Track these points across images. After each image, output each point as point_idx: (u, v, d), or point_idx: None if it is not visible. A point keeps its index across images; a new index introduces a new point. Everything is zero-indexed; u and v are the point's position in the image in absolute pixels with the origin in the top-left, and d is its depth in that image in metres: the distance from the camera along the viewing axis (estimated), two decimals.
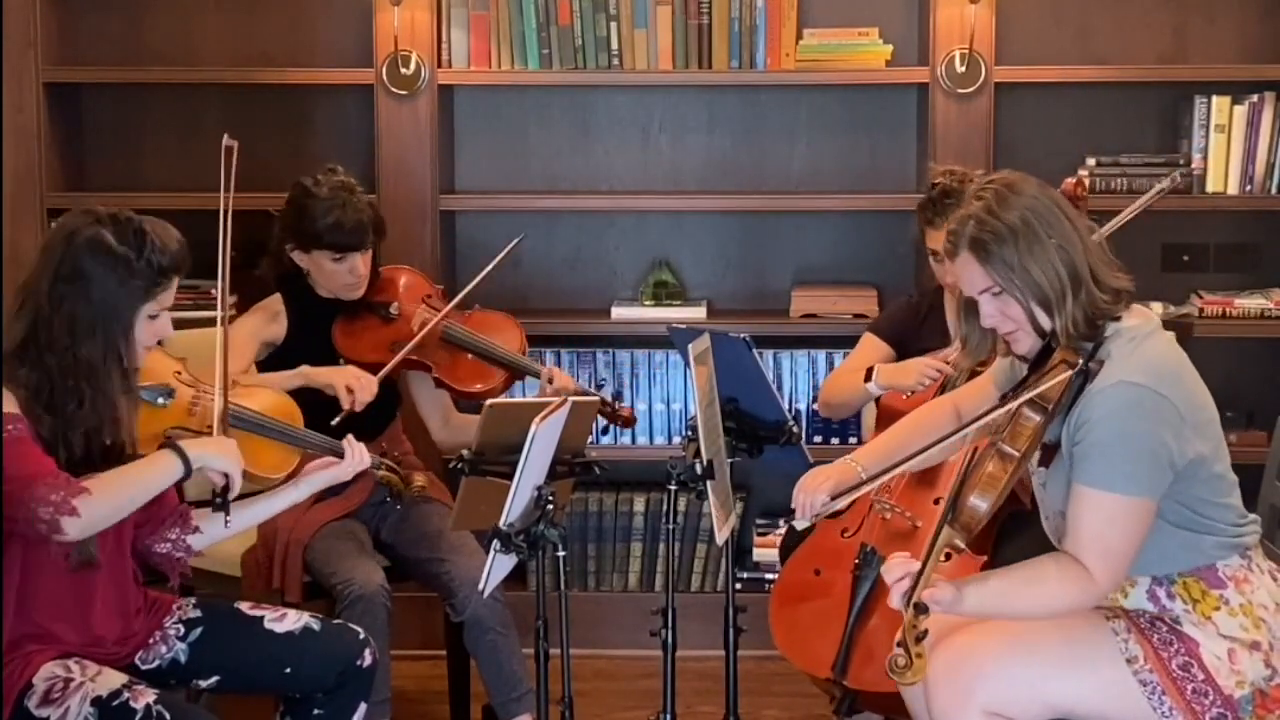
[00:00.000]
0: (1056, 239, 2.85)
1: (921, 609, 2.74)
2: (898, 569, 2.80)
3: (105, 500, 2.83)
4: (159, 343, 3.04)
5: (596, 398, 3.56)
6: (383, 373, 3.82)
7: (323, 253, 3.85)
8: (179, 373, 3.18)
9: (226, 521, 3.07)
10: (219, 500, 3.02)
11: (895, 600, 2.79)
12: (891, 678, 2.78)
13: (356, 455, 3.31)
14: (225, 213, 3.21)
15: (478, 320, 4.05)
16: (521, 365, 4.01)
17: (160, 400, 3.08)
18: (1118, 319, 2.89)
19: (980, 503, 2.80)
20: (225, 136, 3.26)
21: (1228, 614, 2.88)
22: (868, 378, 3.89)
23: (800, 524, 3.09)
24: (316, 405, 3.65)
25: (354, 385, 3.72)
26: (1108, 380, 2.82)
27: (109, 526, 2.92)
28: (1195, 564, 2.89)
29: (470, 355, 3.99)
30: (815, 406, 4.26)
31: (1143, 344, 2.88)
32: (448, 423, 4.15)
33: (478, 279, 3.97)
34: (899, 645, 2.73)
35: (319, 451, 3.33)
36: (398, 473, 3.61)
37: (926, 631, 2.74)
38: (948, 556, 2.86)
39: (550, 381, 3.95)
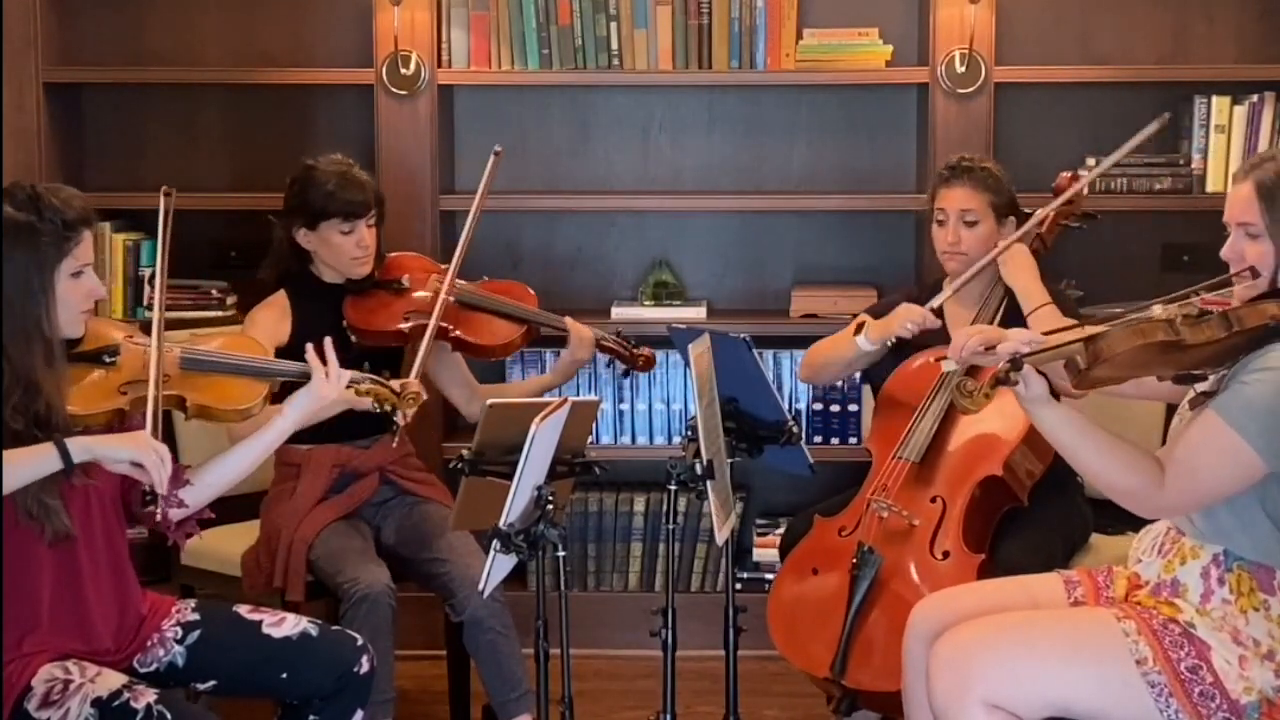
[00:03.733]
0: None
1: (1017, 366, 2.84)
2: (1028, 335, 2.94)
3: None
4: (95, 306, 3.04)
5: (586, 401, 3.54)
6: (423, 350, 3.78)
7: (330, 224, 3.88)
8: (130, 336, 3.15)
9: (158, 516, 2.96)
10: (148, 496, 2.93)
11: (1005, 349, 2.89)
12: (953, 397, 2.90)
13: (333, 371, 3.25)
14: (163, 260, 3.20)
15: (489, 286, 4.11)
16: (539, 318, 4.04)
17: (106, 359, 3.07)
18: None
19: (1118, 340, 2.79)
20: (164, 187, 3.24)
21: (1263, 617, 2.88)
22: (858, 331, 3.90)
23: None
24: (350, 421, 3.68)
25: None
26: None
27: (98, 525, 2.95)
28: (1261, 559, 2.89)
29: (487, 314, 4.02)
30: (800, 374, 4.21)
31: None
32: (474, 396, 4.17)
33: (473, 208, 4.03)
34: (977, 378, 2.87)
35: (288, 378, 3.26)
36: (386, 385, 3.39)
37: (1006, 382, 2.85)
38: (1068, 366, 2.86)
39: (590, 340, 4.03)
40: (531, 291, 4.15)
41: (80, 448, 2.86)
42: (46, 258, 2.93)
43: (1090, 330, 2.86)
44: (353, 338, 3.91)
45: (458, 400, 4.20)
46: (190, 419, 3.20)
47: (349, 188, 3.88)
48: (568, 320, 4.08)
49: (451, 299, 3.96)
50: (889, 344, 3.89)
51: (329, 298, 3.96)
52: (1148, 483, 2.86)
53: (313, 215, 3.89)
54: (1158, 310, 2.87)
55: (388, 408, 3.41)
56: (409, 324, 3.90)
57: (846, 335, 3.96)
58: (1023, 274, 3.85)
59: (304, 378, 3.27)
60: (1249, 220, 2.90)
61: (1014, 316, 3.89)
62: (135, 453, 2.90)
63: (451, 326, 3.96)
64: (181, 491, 3.09)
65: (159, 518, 2.95)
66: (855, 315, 4.67)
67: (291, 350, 3.88)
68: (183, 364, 3.16)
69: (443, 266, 4.09)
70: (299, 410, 3.25)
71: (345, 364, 3.44)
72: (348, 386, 3.31)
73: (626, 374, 4.18)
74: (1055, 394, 3.55)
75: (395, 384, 3.42)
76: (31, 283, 2.92)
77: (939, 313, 3.94)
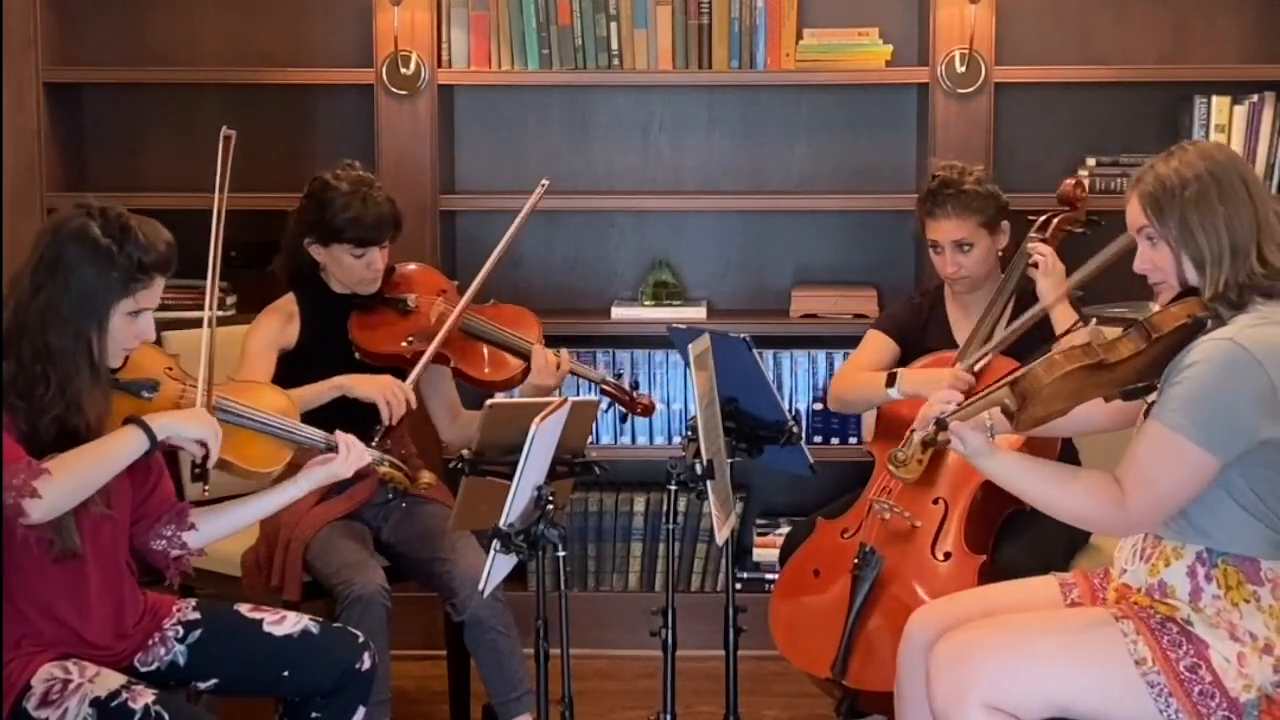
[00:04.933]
0: (1227, 208, 2.90)
1: (942, 425, 2.90)
2: (949, 393, 3.01)
3: (66, 479, 2.81)
4: (140, 344, 3.04)
5: (597, 398, 3.55)
6: (417, 370, 3.80)
7: (342, 247, 3.86)
8: (170, 369, 3.16)
9: (204, 489, 3.05)
10: (198, 469, 2.99)
11: (929, 412, 2.95)
12: (888, 468, 2.98)
13: (353, 452, 3.28)
14: (219, 207, 3.23)
15: (495, 313, 4.05)
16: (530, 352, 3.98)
17: (145, 394, 3.06)
18: (1269, 298, 2.90)
19: (1042, 375, 2.85)
20: (224, 127, 3.27)
21: (1255, 609, 2.88)
22: (890, 382, 3.87)
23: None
24: (352, 417, 3.65)
25: (391, 399, 3.69)
26: (1217, 335, 2.85)
27: (104, 520, 2.96)
28: (1241, 550, 2.89)
29: (489, 346, 3.99)
30: (829, 403, 4.21)
31: (1272, 326, 2.87)
32: (455, 421, 4.14)
33: (506, 238, 3.97)
34: (908, 445, 2.93)
35: (312, 447, 3.29)
36: (402, 469, 3.52)
37: (934, 444, 2.92)
38: (1004, 411, 2.90)
39: (558, 368, 3.94)
40: (537, 320, 4.07)
41: (161, 426, 2.94)
42: (112, 286, 2.94)
43: (1012, 374, 2.91)
44: (356, 354, 3.90)
45: (439, 422, 4.15)
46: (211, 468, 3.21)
47: (367, 212, 3.82)
48: (535, 348, 3.96)
49: (457, 329, 3.93)
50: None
51: (337, 308, 3.95)
52: (1111, 505, 2.88)
53: (325, 234, 3.86)
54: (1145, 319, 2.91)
55: (400, 490, 3.58)
56: (410, 348, 3.88)
57: (877, 383, 3.90)
58: (1057, 293, 3.84)
59: (328, 448, 3.28)
60: (1144, 224, 2.96)
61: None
62: (204, 431, 3.00)
63: (452, 357, 3.94)
64: (185, 534, 3.14)
65: (203, 492, 3.08)
66: (857, 315, 4.70)
67: (298, 356, 3.89)
68: (216, 415, 3.13)
69: (452, 283, 4.07)
70: (313, 483, 3.27)
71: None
72: (366, 464, 3.34)
73: (625, 418, 4.11)
74: (1072, 449, 3.61)
75: (417, 472, 3.59)
76: (93, 302, 2.93)
77: (945, 326, 3.95)
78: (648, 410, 4.03)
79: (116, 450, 2.90)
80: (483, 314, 4.02)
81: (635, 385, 4.05)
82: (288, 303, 3.97)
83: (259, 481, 3.28)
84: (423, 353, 3.85)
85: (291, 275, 3.99)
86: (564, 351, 3.99)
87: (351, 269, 3.88)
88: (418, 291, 4.01)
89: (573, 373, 4.00)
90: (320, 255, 3.90)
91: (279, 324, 3.93)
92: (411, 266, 4.12)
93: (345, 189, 3.84)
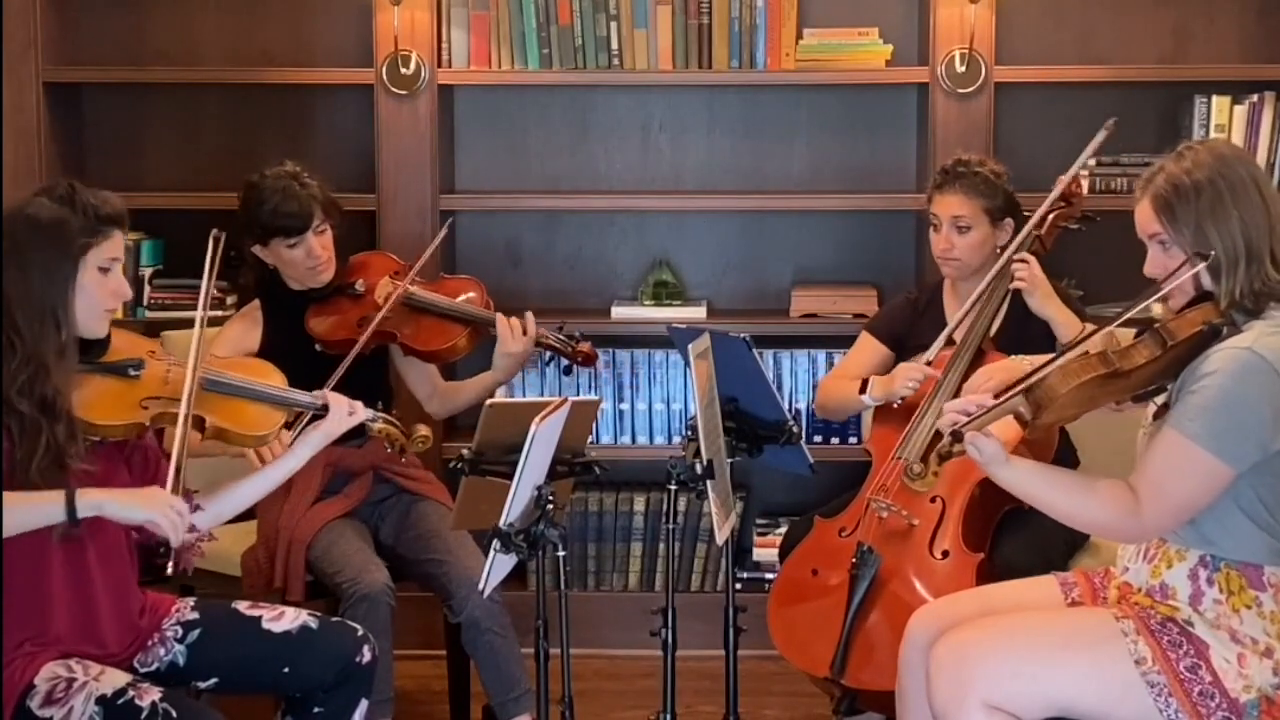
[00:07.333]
0: (1241, 212, 2.88)
1: (958, 438, 2.89)
2: (964, 404, 2.97)
3: None
4: (119, 302, 3.04)
5: (586, 400, 3.54)
6: (357, 346, 3.81)
7: (277, 241, 3.88)
8: (152, 351, 3.16)
9: (168, 570, 2.96)
10: (163, 550, 2.92)
11: (944, 423, 2.93)
12: (903, 480, 2.98)
13: (343, 407, 3.28)
14: (204, 299, 3.18)
15: (439, 285, 4.07)
16: (479, 317, 3.98)
17: (131, 372, 3.07)
18: None
19: (1058, 384, 2.84)
20: (214, 230, 3.25)
21: (1256, 615, 2.88)
22: (863, 389, 3.90)
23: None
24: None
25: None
26: (1234, 343, 2.84)
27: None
28: (1245, 558, 2.89)
29: (431, 316, 3.99)
30: (815, 409, 4.25)
31: None
32: (435, 392, 4.15)
33: (426, 253, 4.00)
34: (924, 457, 2.93)
35: (304, 409, 3.29)
36: (396, 425, 3.48)
37: (950, 456, 2.91)
38: (1017, 418, 2.89)
39: (525, 333, 3.95)
40: (480, 286, 4.06)
41: (89, 503, 2.85)
42: (73, 246, 2.95)
43: (1027, 381, 2.89)
44: (317, 346, 3.91)
45: (420, 396, 4.17)
46: (206, 439, 3.21)
47: (287, 203, 3.85)
48: (498, 316, 3.97)
49: (401, 303, 3.93)
50: (896, 405, 3.86)
51: (296, 307, 3.97)
52: (1125, 513, 2.88)
53: (258, 233, 3.89)
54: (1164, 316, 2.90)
55: (397, 447, 3.48)
56: (361, 331, 3.88)
57: (851, 391, 3.94)
58: (1051, 302, 3.84)
59: (318, 410, 3.28)
60: (1156, 231, 2.94)
61: (1015, 321, 3.89)
62: (151, 514, 2.89)
63: (398, 332, 3.95)
64: (194, 517, 3.09)
65: (170, 572, 2.97)
66: (857, 315, 4.70)
67: (263, 359, 3.89)
68: (205, 385, 3.15)
69: (405, 264, 4.07)
70: (310, 447, 3.27)
71: (318, 372, 3.53)
72: (361, 423, 3.34)
73: (568, 370, 4.08)
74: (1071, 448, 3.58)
75: (413, 427, 3.50)
76: (58, 269, 2.93)
77: (941, 320, 3.94)
78: (589, 359, 4.04)
79: (31, 511, 2.83)
80: (427, 288, 4.03)
81: (576, 337, 4.04)
82: (252, 309, 4.00)
83: (255, 445, 3.27)
84: (375, 333, 3.87)
85: (256, 285, 4.01)
86: (527, 314, 3.99)
87: (294, 261, 3.90)
88: (366, 275, 4.02)
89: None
90: (267, 256, 3.93)
91: (240, 331, 3.95)
92: (364, 254, 4.14)
93: (268, 185, 3.88)
